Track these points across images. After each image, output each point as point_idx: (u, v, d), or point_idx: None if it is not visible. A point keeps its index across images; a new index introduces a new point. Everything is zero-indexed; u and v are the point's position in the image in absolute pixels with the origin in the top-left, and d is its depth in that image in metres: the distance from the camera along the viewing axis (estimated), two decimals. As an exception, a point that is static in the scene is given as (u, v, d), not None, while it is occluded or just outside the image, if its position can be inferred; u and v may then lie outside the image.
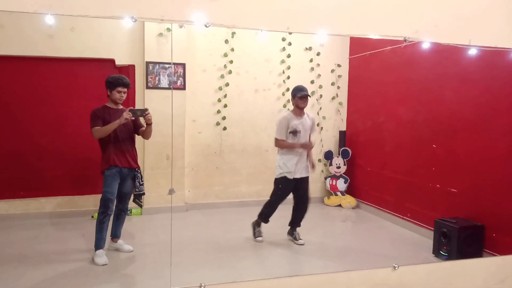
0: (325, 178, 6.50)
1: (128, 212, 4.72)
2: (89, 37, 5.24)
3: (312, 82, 6.31)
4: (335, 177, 6.45)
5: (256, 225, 4.72)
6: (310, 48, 6.27)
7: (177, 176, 5.74)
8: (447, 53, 4.41)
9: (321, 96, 6.37)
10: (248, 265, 4.02)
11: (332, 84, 6.44)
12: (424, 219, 4.87)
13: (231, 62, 5.92)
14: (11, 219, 5.12)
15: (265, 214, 4.65)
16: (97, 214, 3.98)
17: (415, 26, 2.80)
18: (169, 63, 5.53)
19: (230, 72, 5.93)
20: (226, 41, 5.87)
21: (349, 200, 6.28)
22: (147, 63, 5.46)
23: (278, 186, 4.53)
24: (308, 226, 4.75)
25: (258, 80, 6.11)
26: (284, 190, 4.51)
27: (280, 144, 4.44)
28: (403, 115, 5.29)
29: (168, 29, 5.44)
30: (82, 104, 5.00)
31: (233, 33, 5.86)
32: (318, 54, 6.29)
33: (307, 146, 4.47)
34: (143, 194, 4.21)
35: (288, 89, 6.17)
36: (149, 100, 5.47)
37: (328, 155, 6.48)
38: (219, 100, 5.95)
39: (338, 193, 6.40)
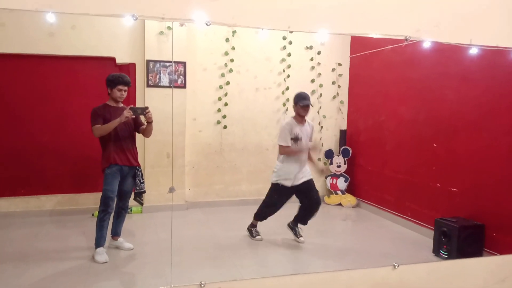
0: (326, 177, 6.50)
1: (129, 210, 4.72)
2: (90, 35, 5.24)
3: (312, 81, 6.31)
4: (335, 176, 6.46)
5: (251, 226, 4.71)
6: (310, 47, 6.26)
7: (178, 175, 5.74)
8: (448, 52, 4.41)
9: (321, 95, 6.36)
10: (248, 263, 4.02)
11: (333, 83, 6.43)
12: (425, 218, 4.87)
13: (231, 60, 5.92)
14: (11, 217, 5.12)
15: (261, 216, 4.63)
16: (97, 212, 3.98)
17: (416, 25, 2.80)
18: (170, 62, 5.53)
19: (230, 70, 5.93)
20: (227, 40, 5.87)
21: (350, 199, 6.28)
22: (148, 61, 5.46)
23: (274, 192, 4.46)
24: (308, 224, 4.75)
25: (258, 79, 6.11)
26: (280, 197, 4.44)
27: (286, 150, 4.31)
28: (404, 114, 5.29)
29: (169, 28, 5.44)
30: (82, 102, 5.00)
31: (234, 32, 5.85)
32: (318, 53, 6.28)
33: (315, 148, 4.48)
34: (144, 192, 4.22)
35: (288, 88, 6.18)
36: (149, 98, 5.47)
37: (329, 154, 6.48)
38: (220, 99, 5.95)
39: (339, 192, 6.40)
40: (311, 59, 6.28)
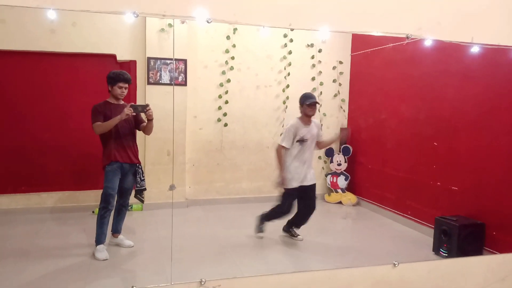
0: (326, 175, 6.51)
1: (129, 207, 4.73)
2: (91, 32, 5.23)
3: (313, 79, 6.30)
4: (335, 174, 6.46)
5: (261, 224, 4.61)
6: (311, 45, 6.25)
7: (178, 172, 5.74)
8: (449, 51, 4.40)
9: (321, 93, 6.35)
10: (248, 261, 4.02)
11: (334, 81, 6.42)
12: (425, 217, 4.87)
13: (232, 58, 5.91)
14: (12, 213, 5.13)
15: (269, 219, 4.55)
16: (98, 209, 3.98)
17: (417, 23, 2.79)
18: (171, 59, 5.52)
19: (231, 68, 5.93)
20: (228, 37, 5.86)
21: (350, 197, 6.28)
22: (149, 58, 5.45)
23: (286, 198, 4.36)
24: (308, 223, 4.75)
25: (259, 77, 6.10)
26: (292, 195, 4.36)
27: (279, 152, 4.31)
28: (405, 112, 5.29)
29: (170, 25, 5.43)
30: (83, 100, 4.99)
31: (235, 29, 5.85)
32: (319, 51, 6.27)
33: (281, 184, 4.34)
34: (144, 189, 4.22)
35: (288, 86, 6.17)
36: (150, 95, 5.46)
37: (329, 152, 6.48)
38: (220, 97, 5.95)
39: (339, 190, 6.40)
40: (312, 57, 6.27)
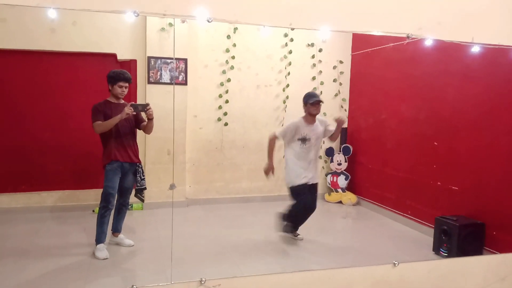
0: (326, 175, 6.51)
1: (129, 206, 4.73)
2: (91, 31, 5.23)
3: (313, 78, 6.30)
4: (336, 173, 6.46)
5: (289, 229, 4.50)
6: (312, 45, 6.25)
7: (178, 171, 5.74)
8: (450, 51, 4.40)
9: (321, 92, 6.35)
10: (248, 260, 4.02)
11: (334, 80, 6.42)
12: (425, 216, 4.87)
13: (233, 57, 5.91)
14: (12, 212, 5.13)
15: (290, 220, 4.44)
16: (98, 208, 3.99)
17: (418, 23, 2.79)
18: (171, 58, 5.52)
19: (232, 67, 5.93)
20: (228, 37, 5.86)
21: (350, 197, 6.29)
22: (149, 58, 5.45)
23: (298, 195, 4.30)
24: (308, 222, 4.75)
25: (259, 76, 6.10)
26: (303, 189, 4.29)
27: (270, 141, 4.35)
28: (405, 112, 5.29)
29: (170, 24, 5.43)
30: (83, 99, 5.00)
31: (235, 29, 5.84)
32: (320, 50, 6.27)
33: (267, 172, 4.36)
34: (145, 189, 4.22)
35: (288, 85, 6.17)
36: (150, 95, 5.46)
37: (329, 152, 6.48)
38: (221, 96, 5.95)
39: (339, 190, 6.40)
40: (313, 57, 6.27)
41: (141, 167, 4.16)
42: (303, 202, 4.30)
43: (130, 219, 4.88)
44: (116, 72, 3.93)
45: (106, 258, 3.87)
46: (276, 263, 4.05)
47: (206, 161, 6.01)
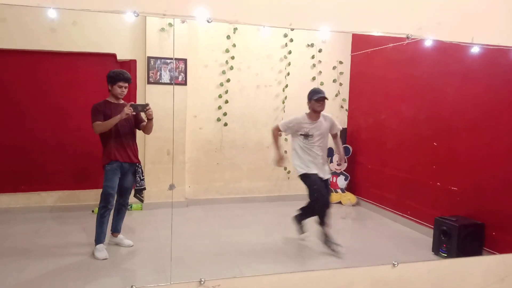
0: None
1: (129, 207, 4.73)
2: (91, 31, 5.23)
3: (313, 79, 6.30)
4: (335, 174, 6.46)
5: (325, 237, 4.32)
6: (312, 45, 6.25)
7: (178, 171, 5.74)
8: (450, 51, 4.40)
9: (322, 92, 6.35)
10: (248, 260, 4.02)
11: (334, 81, 6.42)
12: (424, 217, 4.87)
13: (232, 58, 5.91)
14: (12, 212, 5.13)
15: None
16: (97, 208, 3.99)
17: (418, 23, 2.79)
18: (171, 58, 5.52)
19: (231, 68, 5.93)
20: (228, 37, 5.86)
21: (349, 197, 6.29)
22: (149, 58, 5.45)
23: (309, 180, 4.22)
24: (307, 222, 4.74)
25: (259, 76, 6.10)
26: (315, 179, 4.20)
27: (273, 133, 4.44)
28: (405, 112, 5.29)
29: (170, 24, 5.43)
30: (83, 99, 5.01)
31: (235, 29, 5.85)
32: (320, 50, 6.27)
33: (278, 162, 4.40)
34: (144, 189, 4.22)
35: (287, 86, 6.18)
36: (150, 95, 5.46)
37: (329, 152, 6.45)
38: (220, 96, 5.95)
39: (338, 190, 6.40)
40: (312, 57, 6.27)
41: (141, 167, 4.16)
42: (315, 186, 4.18)
43: (129, 219, 4.88)
44: (115, 72, 3.93)
45: (106, 258, 3.87)
46: (275, 263, 4.04)
47: (206, 161, 6.01)
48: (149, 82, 5.49)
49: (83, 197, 5.44)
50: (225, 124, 6.00)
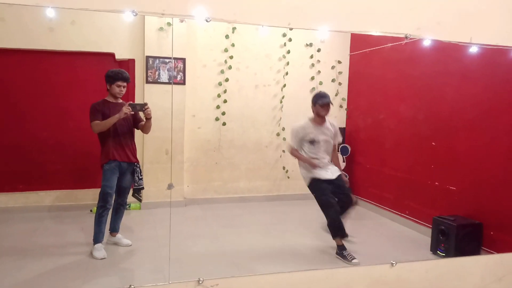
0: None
1: (127, 206, 4.72)
2: (90, 30, 5.22)
3: (312, 78, 6.30)
4: (334, 173, 6.45)
5: (340, 250, 4.14)
6: (310, 44, 6.25)
7: (176, 171, 5.74)
8: (448, 51, 4.40)
9: (321, 92, 6.35)
10: (246, 260, 4.02)
11: (333, 80, 6.42)
12: (423, 216, 4.88)
13: (231, 57, 5.91)
14: (10, 212, 5.12)
15: (335, 229, 4.12)
16: (96, 208, 3.98)
17: (417, 23, 2.79)
18: (169, 58, 5.52)
19: (230, 67, 5.92)
20: (227, 36, 5.86)
21: (348, 197, 6.27)
22: (147, 57, 5.45)
23: (317, 189, 4.11)
24: (306, 222, 4.76)
25: (258, 76, 6.10)
26: (324, 188, 4.08)
27: (293, 153, 4.20)
28: (403, 112, 5.29)
29: (169, 24, 5.43)
30: (82, 98, 4.99)
31: (234, 28, 5.84)
32: (318, 50, 6.27)
33: (315, 165, 4.08)
34: (142, 188, 4.22)
35: (285, 85, 6.18)
36: (149, 94, 5.46)
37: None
38: (219, 96, 5.95)
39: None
40: (311, 57, 6.27)
41: (139, 167, 4.16)
42: (323, 196, 4.07)
43: (128, 218, 4.88)
44: (114, 71, 3.93)
45: (104, 258, 3.87)
46: (274, 262, 4.04)
47: (204, 161, 6.01)
48: (147, 82, 5.48)
49: (82, 197, 5.43)
50: (224, 124, 5.99)
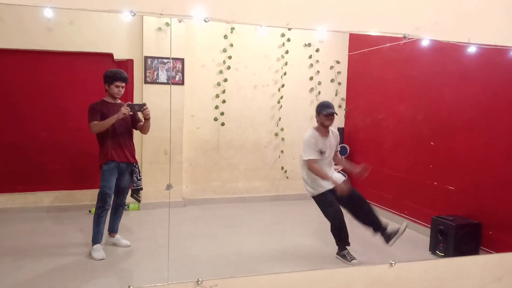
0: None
1: (126, 207, 4.72)
2: (88, 31, 5.22)
3: (311, 78, 6.30)
4: (333, 173, 6.45)
5: (341, 250, 4.15)
6: (309, 45, 6.25)
7: (175, 171, 5.74)
8: (447, 51, 4.41)
9: (319, 92, 6.36)
10: (246, 260, 4.02)
11: (332, 81, 6.42)
12: (422, 216, 4.88)
13: (230, 57, 5.90)
14: (9, 212, 5.11)
15: (339, 237, 4.11)
16: (94, 208, 3.98)
17: (415, 23, 2.79)
18: (168, 58, 5.51)
19: (229, 67, 5.92)
20: (225, 37, 5.85)
21: (347, 197, 6.28)
22: (146, 57, 5.44)
23: (324, 203, 4.02)
24: (305, 222, 4.76)
25: (257, 76, 6.10)
26: (331, 201, 4.01)
27: (313, 167, 3.92)
28: (402, 112, 5.29)
29: (167, 24, 5.43)
30: (80, 98, 4.98)
31: (232, 29, 5.84)
32: (317, 50, 6.27)
33: (342, 189, 3.88)
34: (141, 189, 4.22)
35: (283, 85, 6.18)
36: (147, 95, 5.45)
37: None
38: (218, 96, 5.94)
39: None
40: (310, 57, 6.27)
41: (138, 167, 4.15)
42: (331, 209, 4.02)
43: (126, 219, 4.88)
44: (112, 71, 3.92)
45: (103, 259, 3.86)
46: (273, 262, 4.04)
47: (203, 161, 6.01)
48: (146, 82, 5.48)
49: (80, 197, 5.43)
50: (223, 124, 5.99)
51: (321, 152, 4.00)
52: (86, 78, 5.27)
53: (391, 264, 2.88)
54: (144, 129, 4.06)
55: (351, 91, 6.48)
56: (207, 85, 5.91)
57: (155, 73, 5.49)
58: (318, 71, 6.34)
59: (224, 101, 5.95)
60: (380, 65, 5.73)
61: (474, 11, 2.92)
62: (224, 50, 5.88)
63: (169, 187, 5.41)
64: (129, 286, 2.38)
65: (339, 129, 6.40)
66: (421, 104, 4.97)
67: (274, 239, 4.62)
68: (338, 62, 6.42)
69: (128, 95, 5.29)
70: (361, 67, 6.25)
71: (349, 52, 6.44)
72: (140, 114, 4.01)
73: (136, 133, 4.21)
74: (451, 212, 4.39)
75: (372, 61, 5.94)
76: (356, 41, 6.25)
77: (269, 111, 6.21)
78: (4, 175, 5.17)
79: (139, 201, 4.29)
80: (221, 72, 5.92)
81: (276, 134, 6.25)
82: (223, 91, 5.95)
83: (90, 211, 5.21)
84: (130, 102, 3.89)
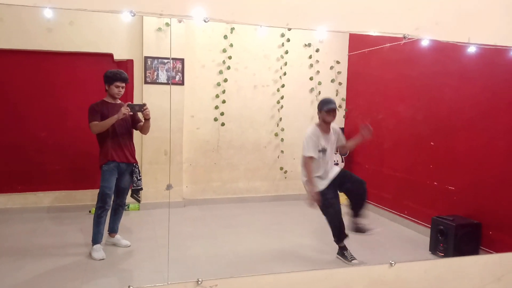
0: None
1: (126, 207, 4.72)
2: (88, 31, 5.22)
3: (311, 78, 6.30)
4: (333, 173, 6.45)
5: (341, 250, 4.14)
6: (309, 45, 6.25)
7: (175, 172, 5.73)
8: (447, 51, 4.41)
9: (319, 93, 6.36)
10: (245, 260, 4.02)
11: (332, 81, 6.43)
12: (422, 216, 4.88)
13: (230, 57, 5.90)
14: (9, 213, 5.11)
15: (338, 237, 4.10)
16: (94, 208, 3.98)
17: (415, 23, 2.79)
18: (168, 58, 5.52)
19: (228, 67, 5.92)
20: (225, 37, 5.85)
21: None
22: (146, 58, 5.44)
23: (324, 202, 3.99)
24: (305, 222, 4.76)
25: (257, 76, 6.10)
26: (331, 199, 4.02)
27: (308, 165, 3.93)
28: (402, 112, 5.29)
29: (167, 24, 5.43)
30: (80, 98, 4.99)
31: (232, 29, 5.84)
32: (317, 50, 6.28)
33: (315, 200, 3.92)
34: (141, 189, 4.22)
35: (283, 85, 6.18)
36: (147, 95, 5.45)
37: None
38: (218, 96, 5.94)
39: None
40: (310, 57, 6.27)
41: (138, 168, 4.15)
42: (330, 207, 4.02)
43: (126, 219, 4.88)
44: (113, 72, 3.93)
45: (103, 259, 3.86)
46: (273, 263, 4.04)
47: (203, 161, 6.01)
48: (146, 82, 5.48)
49: (80, 197, 5.43)
50: (223, 124, 5.99)
51: (323, 150, 4.00)
52: (86, 78, 5.27)
53: (391, 264, 2.89)
54: (144, 129, 4.06)
55: (351, 91, 6.48)
56: (207, 85, 5.91)
57: (155, 73, 5.49)
58: (318, 71, 6.34)
59: (224, 101, 5.95)
60: (380, 65, 5.73)
61: (474, 11, 2.92)
62: (224, 50, 5.88)
63: (169, 187, 5.41)
64: (129, 286, 2.38)
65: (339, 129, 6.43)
66: (421, 104, 4.97)
67: (274, 239, 4.62)
68: (338, 62, 6.42)
69: (128, 95, 5.29)
70: (361, 67, 6.25)
71: (349, 52, 6.45)
72: (140, 115, 4.01)
73: (136, 133, 4.21)
74: (451, 212, 4.39)
75: (372, 61, 5.94)
76: (356, 41, 6.25)
77: (269, 111, 6.21)
78: (4, 175, 5.18)
79: (139, 201, 4.29)
80: (221, 72, 5.92)
81: (276, 134, 6.25)
82: (223, 91, 5.95)
83: (90, 211, 5.21)
84: (130, 103, 3.89)
